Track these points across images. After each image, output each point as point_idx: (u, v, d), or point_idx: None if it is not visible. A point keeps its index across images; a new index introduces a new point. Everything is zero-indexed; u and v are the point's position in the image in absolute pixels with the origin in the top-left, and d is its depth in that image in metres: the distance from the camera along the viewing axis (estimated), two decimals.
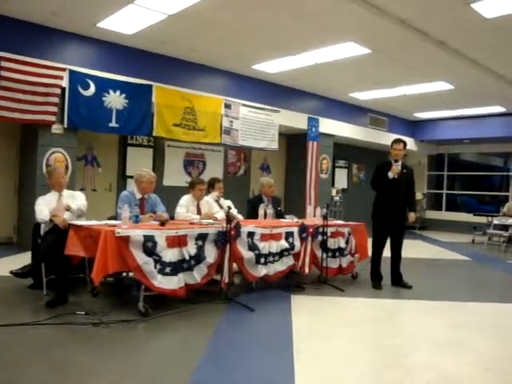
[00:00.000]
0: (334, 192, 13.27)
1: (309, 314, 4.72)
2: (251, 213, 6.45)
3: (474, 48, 7.94)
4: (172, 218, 5.62)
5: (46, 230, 4.99)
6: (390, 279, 6.15)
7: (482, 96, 11.40)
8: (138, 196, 5.39)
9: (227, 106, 9.94)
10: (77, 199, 5.28)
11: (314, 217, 6.75)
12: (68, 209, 4.96)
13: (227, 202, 6.22)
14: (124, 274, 5.19)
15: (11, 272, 5.13)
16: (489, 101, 11.97)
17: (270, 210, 6.43)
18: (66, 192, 5.32)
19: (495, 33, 7.05)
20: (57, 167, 5.59)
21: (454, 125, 14.60)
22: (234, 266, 5.19)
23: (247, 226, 5.28)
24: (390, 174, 5.93)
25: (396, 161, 6.04)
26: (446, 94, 11.15)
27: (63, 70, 7.64)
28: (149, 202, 5.46)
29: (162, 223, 4.76)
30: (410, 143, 15.13)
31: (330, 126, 12.48)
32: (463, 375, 3.26)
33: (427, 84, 10.40)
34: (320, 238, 5.97)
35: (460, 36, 7.38)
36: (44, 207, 5.00)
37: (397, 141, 6.17)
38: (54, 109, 7.56)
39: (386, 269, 6.14)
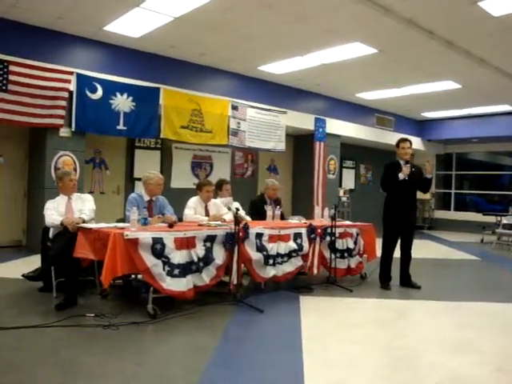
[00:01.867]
0: (341, 192, 13.24)
1: (317, 315, 4.72)
2: (253, 213, 6.45)
3: (481, 46, 7.90)
4: (180, 219, 5.63)
5: (55, 233, 5.02)
6: (398, 279, 6.12)
7: (489, 95, 11.34)
8: (146, 198, 5.40)
9: (234, 108, 9.96)
10: (85, 202, 5.30)
11: (321, 217, 6.74)
12: (83, 221, 4.94)
13: (235, 204, 6.22)
14: (133, 276, 5.21)
15: (23, 275, 5.16)
16: (497, 99, 11.90)
17: (278, 212, 6.44)
18: (74, 195, 5.35)
19: (502, 31, 7.01)
20: (68, 172, 5.57)
21: (462, 124, 14.53)
22: (243, 267, 5.19)
23: (255, 228, 5.28)
24: (401, 176, 5.87)
25: (407, 161, 6.00)
26: (453, 93, 11.09)
27: (71, 73, 7.69)
28: (157, 204, 5.48)
29: (171, 225, 4.78)
30: (418, 143, 15.11)
31: (337, 127, 12.46)
32: (472, 376, 3.24)
33: (434, 83, 10.36)
34: (328, 238, 5.96)
35: (467, 35, 7.35)
36: (53, 211, 5.03)
37: (403, 140, 6.11)
38: (62, 112, 7.61)
39: (394, 269, 6.12)
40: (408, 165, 5.94)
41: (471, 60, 8.47)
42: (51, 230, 5.08)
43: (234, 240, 4.89)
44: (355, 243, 6.38)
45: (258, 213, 6.48)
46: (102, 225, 4.77)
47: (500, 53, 8.15)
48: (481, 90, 10.85)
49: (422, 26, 7.03)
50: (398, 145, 6.13)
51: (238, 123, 10.05)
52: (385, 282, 6.05)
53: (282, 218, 6.61)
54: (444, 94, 11.34)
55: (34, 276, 5.11)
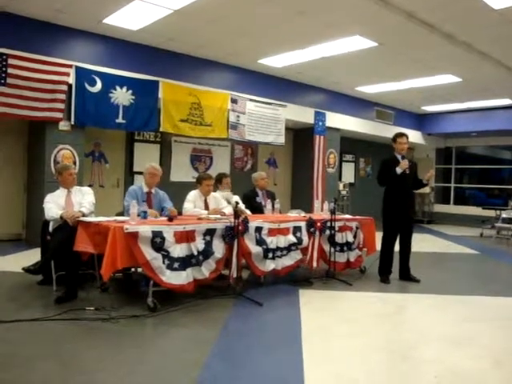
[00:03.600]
0: (341, 186, 13.24)
1: (317, 309, 4.73)
2: (246, 206, 6.47)
3: (481, 40, 7.86)
4: (180, 213, 5.64)
5: (54, 226, 5.01)
6: (397, 273, 6.13)
7: (490, 88, 11.31)
8: (146, 190, 5.45)
9: (234, 101, 9.93)
10: (85, 196, 5.29)
11: (321, 211, 6.75)
12: (82, 215, 4.93)
13: (235, 197, 6.24)
14: (133, 270, 5.22)
15: (23, 268, 5.16)
16: (497, 93, 11.86)
17: (278, 205, 6.45)
18: (74, 188, 5.35)
19: (503, 24, 6.97)
20: (67, 166, 5.52)
21: (462, 118, 14.49)
22: (242, 260, 5.20)
23: (255, 221, 5.28)
24: (399, 170, 5.89)
25: (403, 156, 6.02)
26: (453, 86, 11.07)
27: (70, 66, 7.65)
28: (157, 197, 5.51)
29: (170, 219, 4.78)
30: (418, 137, 15.11)
31: (337, 120, 12.43)
32: (472, 369, 3.25)
33: (434, 77, 10.33)
34: (328, 232, 5.97)
35: (467, 28, 7.32)
36: (53, 205, 5.03)
37: (400, 135, 6.12)
38: (61, 106, 7.59)
39: (394, 263, 6.13)
40: (406, 159, 5.96)
41: (471, 53, 8.44)
42: (51, 224, 5.08)
43: (233, 233, 4.89)
44: (355, 237, 6.39)
45: (250, 206, 6.50)
46: (102, 218, 4.77)
47: (500, 46, 8.11)
48: (481, 83, 10.82)
49: (422, 19, 7.00)
50: (394, 140, 6.12)
51: (238, 117, 10.03)
52: (384, 275, 6.06)
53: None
54: (444, 88, 11.31)
55: (34, 269, 5.11)
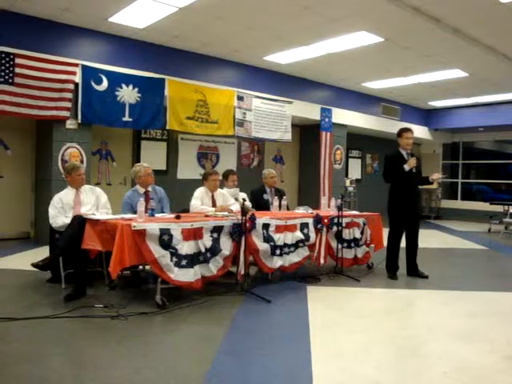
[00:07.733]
0: (347, 182, 13.21)
1: (325, 305, 4.73)
2: (254, 203, 6.47)
3: (488, 34, 7.81)
4: (187, 210, 5.66)
5: None
6: (405, 269, 6.12)
7: (497, 83, 11.24)
8: (142, 191, 5.46)
9: (240, 98, 9.92)
10: (99, 198, 5.40)
11: (328, 208, 6.74)
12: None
13: (242, 194, 6.24)
14: (141, 267, 5.24)
15: (32, 264, 5.19)
16: (504, 87, 11.78)
17: (284, 202, 6.44)
18: (83, 187, 5.38)
19: (510, 17, 6.92)
20: (77, 166, 5.48)
21: (469, 112, 14.42)
22: (250, 257, 5.20)
23: (262, 218, 5.28)
24: (407, 167, 5.85)
25: (411, 153, 5.98)
26: (460, 81, 11.01)
27: (76, 65, 7.67)
28: (157, 194, 5.55)
29: (178, 216, 4.79)
30: (424, 132, 15.06)
31: (343, 116, 12.40)
32: (481, 365, 3.24)
33: (441, 72, 10.28)
34: (335, 228, 5.96)
35: (474, 22, 7.27)
36: (57, 213, 5.07)
37: (406, 130, 6.06)
38: (68, 104, 7.61)
39: (401, 259, 6.11)
40: (414, 157, 5.93)
41: (478, 48, 8.39)
42: None
43: (241, 230, 4.90)
44: (362, 233, 6.37)
45: (258, 203, 6.50)
46: (110, 216, 4.79)
47: (508, 40, 8.05)
48: (488, 78, 10.75)
49: (428, 13, 6.96)
50: (400, 134, 6.07)
51: (244, 114, 10.02)
52: (392, 271, 6.05)
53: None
54: (451, 83, 11.25)
55: (43, 265, 5.14)
